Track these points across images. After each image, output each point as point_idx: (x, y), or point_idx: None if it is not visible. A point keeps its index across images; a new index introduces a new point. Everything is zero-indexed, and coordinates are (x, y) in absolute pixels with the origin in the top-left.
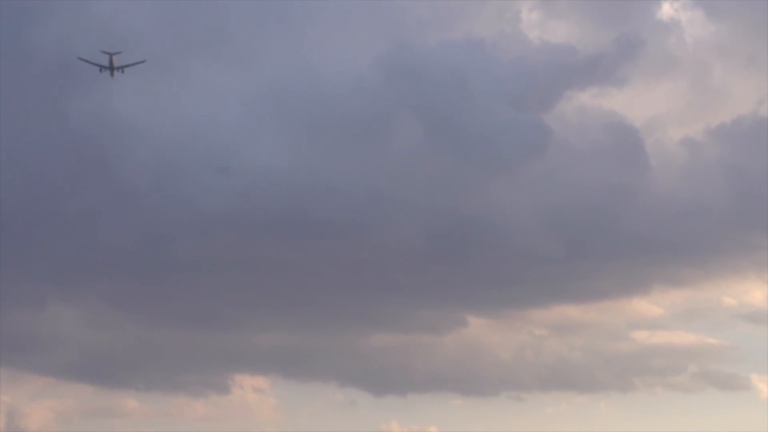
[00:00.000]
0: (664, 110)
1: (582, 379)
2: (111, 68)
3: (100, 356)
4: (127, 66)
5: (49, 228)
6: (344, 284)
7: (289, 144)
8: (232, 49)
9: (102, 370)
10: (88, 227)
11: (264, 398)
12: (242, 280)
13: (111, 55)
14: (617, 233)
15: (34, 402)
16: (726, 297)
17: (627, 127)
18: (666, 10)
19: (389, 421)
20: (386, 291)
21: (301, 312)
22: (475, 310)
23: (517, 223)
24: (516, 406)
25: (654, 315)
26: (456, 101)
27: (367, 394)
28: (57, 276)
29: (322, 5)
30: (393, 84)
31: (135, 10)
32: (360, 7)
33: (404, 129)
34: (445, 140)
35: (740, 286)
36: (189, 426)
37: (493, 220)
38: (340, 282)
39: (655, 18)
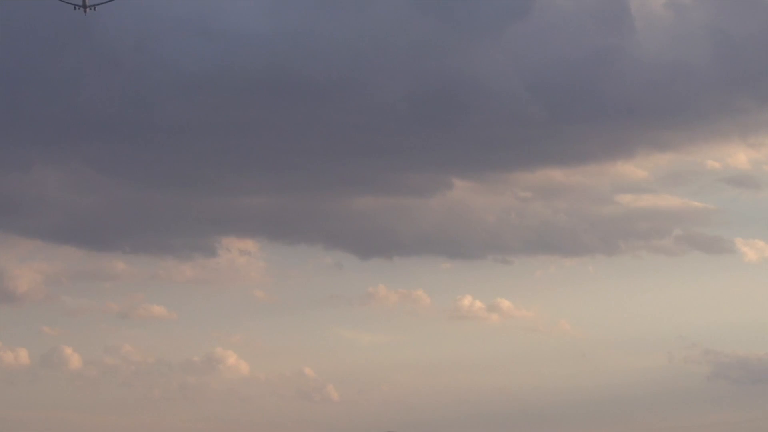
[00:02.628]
0: None
1: (567, 243)
2: (84, 6)
3: (86, 219)
4: (98, 4)
5: (31, 91)
6: (329, 147)
7: (271, 6)
8: None
9: (89, 233)
10: (70, 90)
11: (252, 261)
12: (226, 143)
13: None
14: (602, 96)
15: (22, 264)
16: (710, 160)
17: None
18: None
19: (376, 284)
20: (371, 154)
21: (286, 175)
22: (460, 173)
23: (502, 86)
24: (503, 269)
25: (638, 178)
26: None
27: (354, 256)
28: (41, 139)
29: None
30: None
31: None
32: None
33: None
34: (429, 2)
35: (724, 149)
36: (178, 288)
37: (477, 84)
38: (325, 145)
39: None
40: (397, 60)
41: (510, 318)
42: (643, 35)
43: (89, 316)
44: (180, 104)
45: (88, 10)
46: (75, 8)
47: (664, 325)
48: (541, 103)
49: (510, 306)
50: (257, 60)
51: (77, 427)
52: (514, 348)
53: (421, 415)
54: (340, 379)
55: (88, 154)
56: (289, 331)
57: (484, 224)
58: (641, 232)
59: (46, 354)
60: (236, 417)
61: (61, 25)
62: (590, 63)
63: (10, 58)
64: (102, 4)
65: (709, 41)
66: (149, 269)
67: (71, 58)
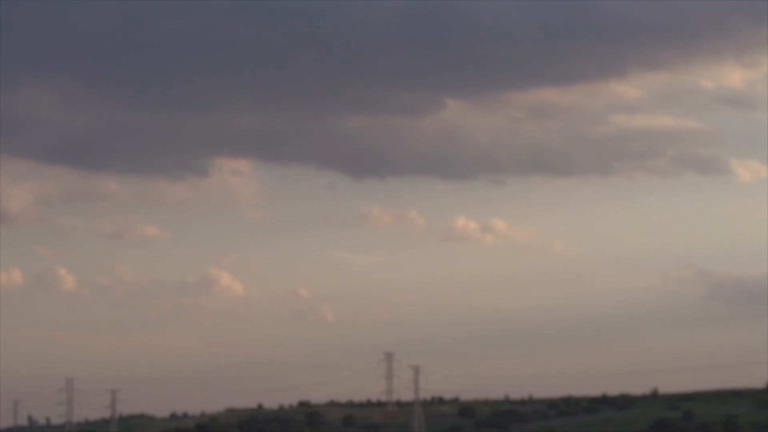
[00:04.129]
0: None
1: (560, 163)
2: None
3: (78, 139)
4: None
5: (20, 9)
6: (321, 66)
7: None
8: None
9: (81, 153)
10: (59, 8)
11: (244, 181)
12: (218, 63)
13: None
14: (595, 15)
15: (14, 184)
16: (704, 80)
17: None
18: None
19: (369, 205)
20: (363, 73)
21: (277, 94)
22: (453, 92)
23: (494, 5)
24: (498, 190)
25: (632, 98)
26: None
27: (346, 177)
28: (31, 58)
29: None
30: None
31: None
32: None
33: None
34: None
35: (718, 68)
36: (171, 209)
37: (470, 3)
38: (317, 64)
39: None
40: None
41: (504, 238)
42: None
43: (82, 236)
44: (172, 24)
45: None
46: None
47: (658, 246)
48: (533, 22)
49: (504, 226)
50: None
51: (72, 347)
52: (508, 268)
53: (416, 335)
54: (334, 299)
55: (79, 74)
56: (283, 251)
57: (477, 144)
58: (635, 152)
59: (40, 275)
60: (231, 337)
61: None
62: None
63: None
64: None
65: None
66: (142, 189)
67: None
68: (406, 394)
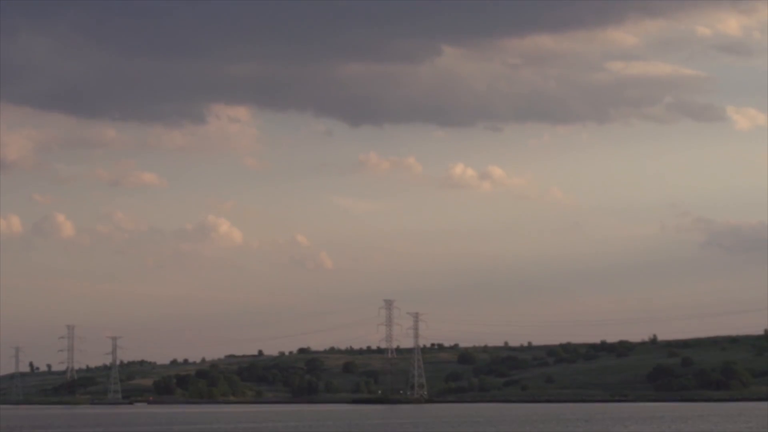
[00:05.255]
0: None
1: (557, 110)
2: None
3: (74, 85)
4: None
5: None
6: (317, 12)
7: None
8: None
9: (78, 100)
10: None
11: (242, 128)
12: (215, 9)
13: None
14: None
15: (11, 132)
16: (700, 27)
17: None
18: None
19: (367, 152)
20: (360, 19)
21: (275, 41)
22: (450, 39)
23: None
24: (495, 137)
25: (629, 45)
26: None
27: (343, 123)
28: (28, 5)
29: None
30: None
31: None
32: None
33: None
34: None
35: (714, 15)
36: (168, 155)
37: None
38: (314, 10)
39: None
40: None
41: (502, 186)
42: None
43: (81, 183)
44: None
45: None
46: None
47: (655, 193)
48: None
49: (501, 174)
50: None
51: (72, 294)
52: (506, 216)
53: (415, 282)
54: (333, 246)
55: (75, 20)
56: (282, 198)
57: (473, 91)
58: (632, 99)
59: (39, 221)
60: (230, 284)
61: None
62: None
63: None
64: None
65: None
66: (139, 136)
67: None
68: (405, 341)
